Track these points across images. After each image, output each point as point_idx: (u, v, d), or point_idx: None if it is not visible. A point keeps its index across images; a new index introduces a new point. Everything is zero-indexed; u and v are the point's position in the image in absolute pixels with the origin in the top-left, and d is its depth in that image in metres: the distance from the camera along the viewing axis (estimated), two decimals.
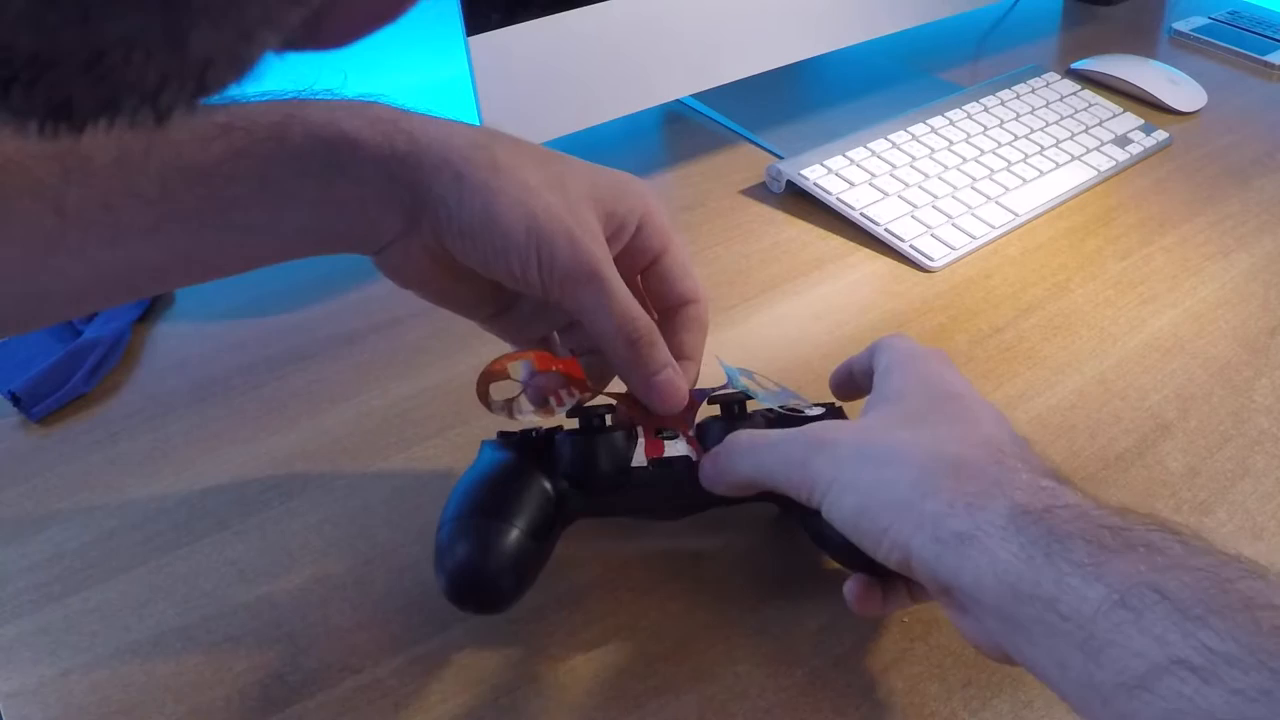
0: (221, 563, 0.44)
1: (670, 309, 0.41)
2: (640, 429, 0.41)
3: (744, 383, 0.42)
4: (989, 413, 0.36)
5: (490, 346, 0.57)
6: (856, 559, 0.36)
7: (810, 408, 0.42)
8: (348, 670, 0.40)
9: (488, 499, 0.38)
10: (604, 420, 0.41)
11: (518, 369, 0.41)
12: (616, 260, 0.39)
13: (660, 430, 0.41)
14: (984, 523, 0.29)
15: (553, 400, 0.40)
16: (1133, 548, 0.27)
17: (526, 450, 0.41)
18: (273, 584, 0.43)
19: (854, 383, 0.44)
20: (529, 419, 0.40)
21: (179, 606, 0.42)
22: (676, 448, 0.41)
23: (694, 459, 0.40)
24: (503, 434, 0.42)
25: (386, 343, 0.58)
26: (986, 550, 0.29)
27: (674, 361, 0.38)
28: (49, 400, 0.52)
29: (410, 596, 0.43)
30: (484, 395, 0.40)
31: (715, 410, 0.42)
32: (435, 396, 0.54)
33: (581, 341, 0.44)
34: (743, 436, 0.38)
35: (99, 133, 0.14)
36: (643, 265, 0.40)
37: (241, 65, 0.14)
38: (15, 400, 0.52)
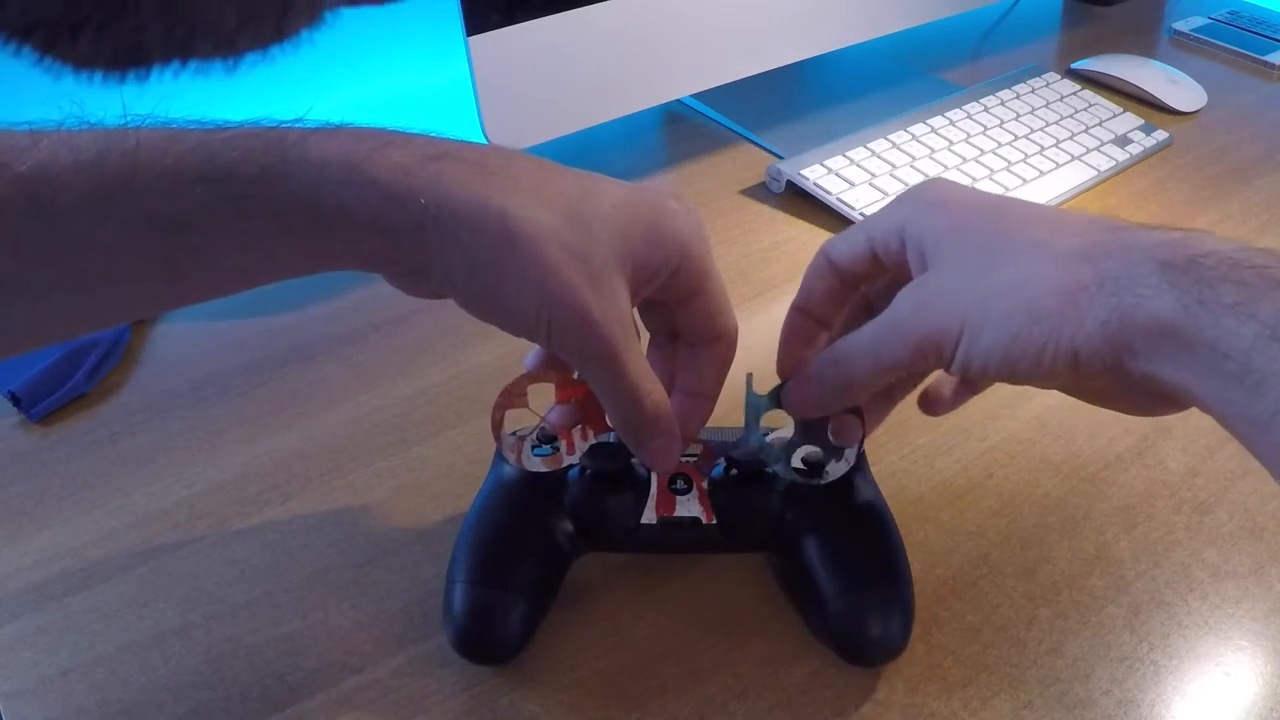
0: (221, 563, 0.44)
1: (698, 342, 0.39)
2: (654, 476, 0.41)
3: (761, 433, 0.40)
4: (1050, 207, 0.36)
5: (492, 346, 0.57)
6: (845, 646, 0.39)
7: (835, 456, 0.41)
8: (348, 670, 0.40)
9: (492, 565, 0.39)
10: (618, 473, 0.40)
11: (536, 396, 0.40)
12: (648, 297, 0.37)
13: (674, 480, 0.41)
14: (1138, 287, 0.30)
15: (563, 445, 0.39)
16: (1278, 285, 0.28)
17: (536, 493, 0.41)
18: (273, 584, 0.43)
19: (816, 323, 0.40)
20: (536, 467, 0.40)
21: (179, 606, 0.42)
22: (689, 505, 0.41)
23: (703, 520, 0.41)
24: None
25: (386, 343, 0.58)
26: (1150, 313, 0.30)
27: (675, 429, 0.37)
28: (49, 400, 0.52)
29: (410, 596, 0.43)
30: (498, 424, 0.39)
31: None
32: (435, 396, 0.54)
33: None
34: (842, 342, 0.36)
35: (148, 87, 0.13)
36: (674, 302, 0.38)
37: (316, 10, 0.14)
38: (15, 400, 0.52)
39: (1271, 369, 0.27)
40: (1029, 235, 0.33)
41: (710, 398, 0.39)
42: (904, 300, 0.35)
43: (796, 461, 0.41)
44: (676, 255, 0.35)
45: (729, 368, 0.40)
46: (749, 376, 0.40)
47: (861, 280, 0.40)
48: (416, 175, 0.31)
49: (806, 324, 0.40)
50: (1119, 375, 0.31)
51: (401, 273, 0.34)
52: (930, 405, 0.41)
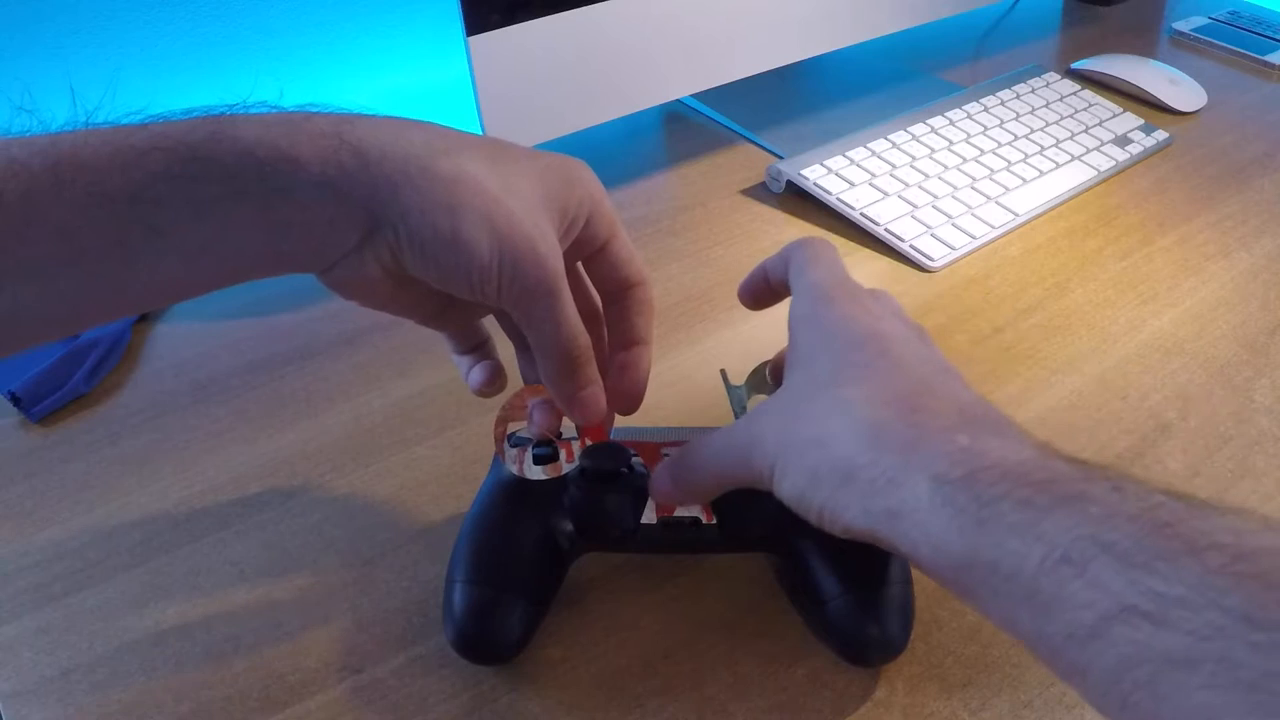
0: (221, 563, 0.44)
1: (616, 293, 0.40)
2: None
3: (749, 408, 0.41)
4: (906, 349, 0.35)
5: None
6: (845, 646, 0.39)
7: None
8: (348, 670, 0.40)
9: (492, 565, 0.39)
10: (618, 473, 0.40)
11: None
12: (564, 252, 0.38)
13: None
14: (909, 497, 0.30)
15: (563, 454, 0.40)
16: (1065, 502, 0.27)
17: (535, 493, 0.41)
18: (273, 584, 0.43)
19: (770, 292, 0.43)
20: (536, 475, 0.40)
21: (179, 606, 0.42)
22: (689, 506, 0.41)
23: (703, 520, 0.41)
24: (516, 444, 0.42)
25: (386, 343, 0.58)
26: (918, 524, 0.29)
27: (599, 378, 0.38)
28: (49, 400, 0.52)
29: (410, 596, 0.43)
30: (500, 438, 0.40)
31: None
32: (435, 396, 0.54)
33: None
34: (692, 447, 0.38)
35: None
36: (588, 254, 0.39)
37: None
38: (15, 400, 0.52)
39: (1061, 592, 0.26)
40: (842, 391, 0.34)
41: (647, 343, 0.41)
42: (742, 424, 0.36)
43: None
44: (589, 202, 0.37)
45: (654, 311, 0.41)
46: (722, 372, 0.41)
47: None
48: (358, 125, 0.33)
49: (761, 283, 0.43)
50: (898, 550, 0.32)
51: (352, 247, 0.33)
52: None
